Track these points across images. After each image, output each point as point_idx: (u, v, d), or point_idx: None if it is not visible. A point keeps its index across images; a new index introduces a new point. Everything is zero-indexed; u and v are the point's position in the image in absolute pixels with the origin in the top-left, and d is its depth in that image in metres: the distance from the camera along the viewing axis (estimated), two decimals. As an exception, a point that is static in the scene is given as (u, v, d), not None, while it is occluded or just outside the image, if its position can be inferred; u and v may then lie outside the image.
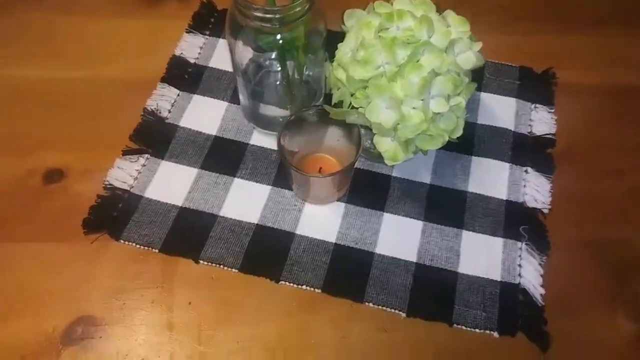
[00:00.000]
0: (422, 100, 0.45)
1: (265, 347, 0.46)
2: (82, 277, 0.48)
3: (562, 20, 0.67)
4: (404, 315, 0.48)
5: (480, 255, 0.51)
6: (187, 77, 0.60)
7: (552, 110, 0.60)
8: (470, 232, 0.52)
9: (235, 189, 0.54)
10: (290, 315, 0.47)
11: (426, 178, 0.55)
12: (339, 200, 0.53)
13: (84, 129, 0.57)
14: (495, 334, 0.47)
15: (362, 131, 0.48)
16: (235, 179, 0.54)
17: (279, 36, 0.46)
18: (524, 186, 0.55)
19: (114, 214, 0.51)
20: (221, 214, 0.52)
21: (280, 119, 0.55)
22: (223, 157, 0.55)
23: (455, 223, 0.52)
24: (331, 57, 0.50)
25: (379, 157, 0.49)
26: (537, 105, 0.60)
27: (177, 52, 0.62)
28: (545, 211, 0.53)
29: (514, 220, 0.53)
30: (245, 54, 0.50)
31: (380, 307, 0.48)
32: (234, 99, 0.59)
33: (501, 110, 0.60)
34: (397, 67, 0.44)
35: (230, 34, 0.48)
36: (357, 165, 0.55)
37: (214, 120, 0.58)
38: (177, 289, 0.48)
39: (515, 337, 0.47)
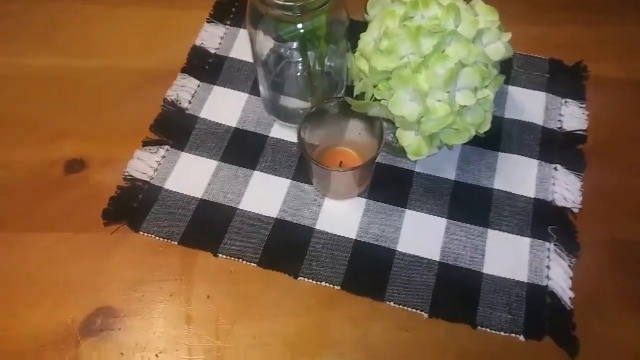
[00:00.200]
0: (447, 92, 0.42)
1: (283, 342, 0.45)
2: (101, 268, 0.48)
3: (594, 10, 0.63)
4: (426, 315, 0.46)
5: (507, 255, 0.48)
6: (207, 67, 0.59)
7: (583, 105, 0.56)
8: (496, 231, 0.50)
9: (254, 182, 0.52)
10: (309, 312, 0.46)
11: (450, 174, 0.52)
12: (359, 195, 0.51)
13: (105, 119, 0.56)
14: (521, 338, 0.45)
15: (385, 124, 0.46)
16: (255, 171, 0.53)
17: (300, 25, 0.44)
18: (553, 184, 0.52)
19: (133, 205, 0.50)
20: (240, 207, 0.51)
21: (301, 111, 0.54)
22: (243, 149, 0.54)
23: (481, 221, 0.50)
24: (353, 47, 0.48)
25: (401, 152, 0.47)
26: (568, 99, 0.57)
27: (198, 42, 0.61)
28: (575, 210, 0.50)
29: (542, 220, 0.50)
30: (266, 44, 0.48)
31: (401, 306, 0.46)
32: (254, 91, 0.57)
33: (530, 105, 0.57)
34: (421, 57, 0.42)
35: (250, 23, 0.46)
36: (378, 159, 0.52)
37: (234, 111, 0.56)
38: (196, 282, 0.47)
39: (542, 341, 0.45)
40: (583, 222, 0.50)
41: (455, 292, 0.47)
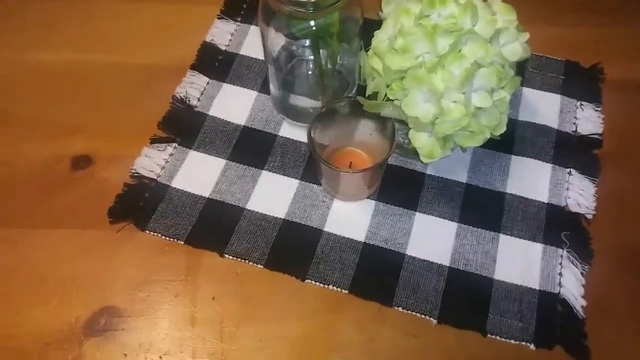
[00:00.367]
0: (463, 93, 0.40)
1: (289, 346, 0.43)
2: (106, 266, 0.46)
3: (611, 12, 0.61)
4: (434, 321, 0.44)
5: (518, 262, 0.46)
6: (217, 64, 0.57)
7: (599, 109, 0.54)
8: (508, 236, 0.47)
9: (262, 181, 0.50)
10: (316, 315, 0.44)
11: (462, 177, 0.50)
12: (369, 197, 0.49)
13: (113, 115, 0.54)
14: (532, 346, 0.43)
15: (397, 125, 0.44)
16: (263, 171, 0.51)
17: (312, 23, 0.42)
18: (567, 189, 0.50)
19: (139, 204, 0.49)
20: (248, 207, 0.49)
21: (311, 110, 0.52)
22: (251, 148, 0.52)
23: (492, 226, 0.48)
24: (366, 46, 0.46)
25: (413, 154, 0.45)
26: (583, 102, 0.54)
27: (208, 39, 0.59)
28: (589, 217, 0.48)
29: (555, 226, 0.48)
30: (278, 41, 0.46)
31: (409, 311, 0.44)
32: (263, 89, 0.55)
33: (544, 107, 0.54)
34: (437, 57, 0.40)
35: (262, 20, 0.44)
36: (389, 160, 0.50)
37: (243, 109, 0.54)
38: (202, 282, 0.45)
39: (552, 350, 0.42)
40: (596, 229, 0.48)
41: (465, 298, 0.45)
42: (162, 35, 0.60)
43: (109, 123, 0.54)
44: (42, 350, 0.43)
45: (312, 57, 0.47)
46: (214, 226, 0.48)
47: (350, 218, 0.48)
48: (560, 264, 0.46)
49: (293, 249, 0.47)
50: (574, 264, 0.46)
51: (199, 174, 0.50)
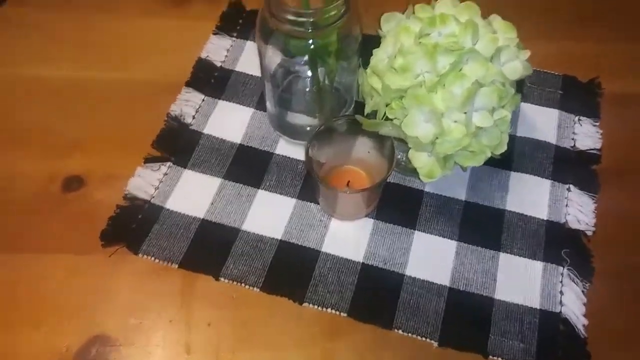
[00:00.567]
0: (464, 113, 0.38)
1: (287, 373, 0.40)
2: (98, 292, 0.43)
3: (609, 26, 0.59)
4: (435, 344, 0.42)
5: (519, 280, 0.44)
6: (212, 81, 0.55)
7: (597, 124, 0.52)
8: (508, 255, 0.46)
9: (259, 201, 0.48)
10: (314, 340, 0.42)
11: (461, 194, 0.48)
12: (367, 215, 0.47)
13: (105, 133, 0.52)
14: (534, 368, 0.41)
15: (395, 143, 0.42)
16: (259, 190, 0.48)
17: (311, 41, 0.40)
18: (566, 205, 0.48)
19: (132, 226, 0.46)
20: (244, 227, 0.46)
21: (308, 128, 0.49)
22: (247, 167, 0.50)
23: (492, 244, 0.46)
24: (365, 64, 0.44)
25: (412, 172, 0.43)
26: (582, 117, 0.53)
27: (203, 55, 0.56)
28: (589, 233, 0.46)
29: (555, 243, 0.46)
30: (275, 58, 0.44)
31: (410, 334, 0.42)
32: (260, 106, 0.53)
33: (542, 122, 0.52)
34: (437, 76, 0.38)
35: (260, 37, 0.42)
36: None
37: (238, 127, 0.52)
38: (196, 307, 0.43)
39: (555, 372, 0.41)
40: (597, 246, 0.46)
41: (466, 319, 0.43)
42: (157, 52, 0.57)
43: (102, 142, 0.51)
44: (32, 380, 0.40)
45: (309, 74, 0.45)
46: (209, 248, 0.45)
47: (349, 238, 0.46)
48: (561, 282, 0.44)
49: (290, 271, 0.45)
50: (574, 282, 0.44)
51: (193, 194, 0.48)
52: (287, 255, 0.45)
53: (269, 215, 0.47)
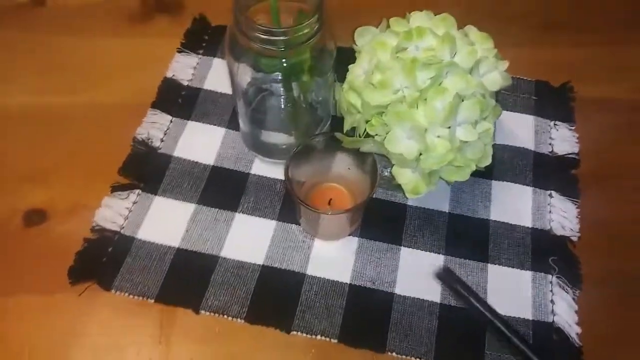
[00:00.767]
0: (447, 128, 0.37)
1: (277, 408, 0.39)
2: (69, 334, 0.40)
3: (581, 30, 0.60)
4: (430, 365, 0.41)
5: (509, 292, 0.44)
6: (180, 101, 0.53)
7: (573, 128, 0.53)
8: (497, 266, 0.45)
9: (237, 225, 0.46)
10: (304, 370, 0.40)
11: (444, 206, 0.48)
12: (351, 234, 0.46)
13: (69, 161, 0.49)
14: (531, 382, 0.40)
15: (377, 158, 0.41)
16: (237, 214, 0.46)
17: (284, 59, 0.38)
18: (550, 212, 0.48)
19: (102, 260, 0.43)
20: (222, 254, 0.44)
21: (284, 146, 0.48)
22: (222, 189, 0.48)
23: (480, 256, 0.45)
24: (340, 78, 0.43)
25: (397, 187, 0.42)
26: (557, 122, 0.53)
27: (169, 74, 0.54)
28: (574, 239, 0.46)
29: (542, 251, 0.46)
30: (245, 77, 0.42)
31: (404, 356, 0.41)
32: (232, 125, 0.51)
33: (519, 129, 0.52)
34: (418, 91, 0.37)
35: (230, 54, 0.40)
36: (369, 194, 0.47)
37: (210, 148, 0.50)
38: (177, 344, 0.40)
39: (552, 384, 0.40)
40: (584, 252, 0.46)
41: (460, 336, 0.42)
42: (120, 72, 0.54)
43: (64, 170, 0.48)
44: None
45: (283, 91, 0.43)
46: (187, 279, 0.43)
47: (334, 258, 0.45)
48: (551, 290, 0.44)
49: (275, 298, 0.43)
50: (564, 290, 0.44)
51: (166, 222, 0.46)
52: (271, 281, 0.43)
53: (248, 239, 0.45)
